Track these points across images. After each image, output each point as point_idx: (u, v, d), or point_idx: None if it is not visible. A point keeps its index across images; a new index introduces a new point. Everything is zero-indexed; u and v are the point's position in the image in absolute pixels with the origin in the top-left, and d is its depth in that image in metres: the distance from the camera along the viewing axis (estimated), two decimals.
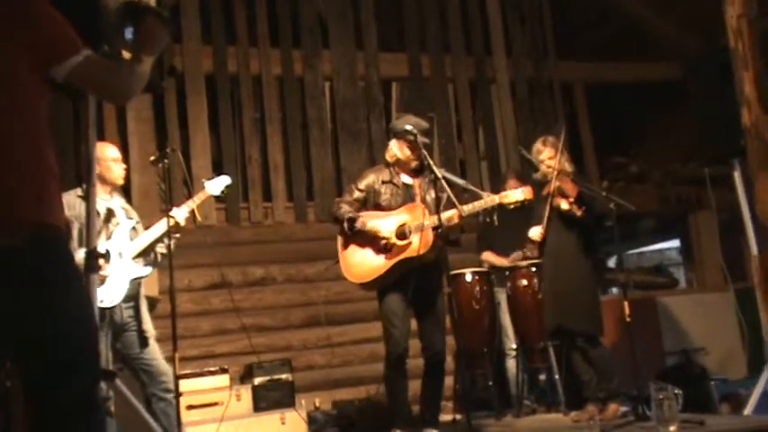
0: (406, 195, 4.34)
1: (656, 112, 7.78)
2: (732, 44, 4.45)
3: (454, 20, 7.61)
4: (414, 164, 4.35)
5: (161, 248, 4.19)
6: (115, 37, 2.40)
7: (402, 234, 4.23)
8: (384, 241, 4.22)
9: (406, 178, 4.41)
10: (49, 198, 2.05)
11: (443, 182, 4.07)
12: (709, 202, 5.48)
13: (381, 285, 4.30)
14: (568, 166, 4.77)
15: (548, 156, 4.76)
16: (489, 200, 4.13)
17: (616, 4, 8.06)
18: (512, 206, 4.13)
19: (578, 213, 4.56)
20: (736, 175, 4.96)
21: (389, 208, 4.33)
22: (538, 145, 4.85)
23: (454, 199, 4.08)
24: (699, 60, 5.24)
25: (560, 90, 7.89)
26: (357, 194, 4.40)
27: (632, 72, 8.07)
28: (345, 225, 4.29)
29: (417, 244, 4.15)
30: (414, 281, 4.15)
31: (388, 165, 4.44)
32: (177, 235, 4.28)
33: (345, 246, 4.39)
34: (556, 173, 4.61)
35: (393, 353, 4.22)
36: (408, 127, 4.20)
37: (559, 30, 8.02)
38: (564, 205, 4.58)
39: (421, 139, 4.20)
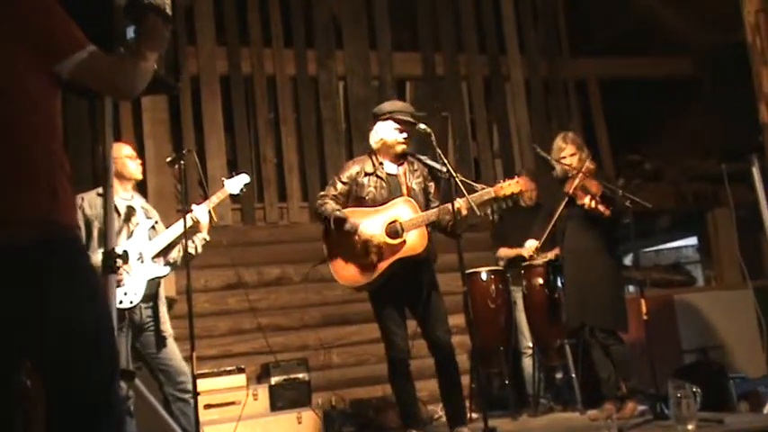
0: (391, 187, 4.17)
1: (671, 108, 7.73)
2: (749, 40, 4.41)
3: (468, 18, 7.59)
4: (400, 147, 4.17)
5: (190, 248, 4.18)
6: (121, 35, 2.41)
7: (394, 232, 4.06)
8: (375, 251, 4.04)
9: (389, 167, 4.22)
10: (63, 197, 2.05)
11: (453, 172, 3.99)
12: (727, 199, 5.43)
13: (375, 286, 4.16)
14: (590, 164, 4.72)
15: (569, 153, 4.71)
16: (485, 192, 4.07)
17: (629, 0, 8.02)
18: (508, 198, 4.09)
19: (606, 213, 4.50)
20: (755, 171, 4.92)
21: (374, 202, 4.14)
22: (558, 142, 4.79)
23: (464, 189, 3.99)
24: (713, 56, 5.21)
25: (574, 87, 7.86)
26: (341, 187, 4.20)
27: (646, 68, 8.03)
28: (332, 224, 4.09)
29: (414, 242, 4.04)
30: (406, 282, 4.07)
31: (371, 153, 4.27)
32: (207, 237, 4.28)
33: (333, 247, 4.18)
34: (581, 169, 4.57)
35: (396, 359, 4.15)
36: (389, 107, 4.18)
37: (573, 26, 7.99)
38: (589, 202, 4.50)
39: (405, 117, 4.12)
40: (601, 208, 4.49)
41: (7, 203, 1.98)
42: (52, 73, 2.09)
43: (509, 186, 4.06)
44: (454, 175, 4.00)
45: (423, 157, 4.16)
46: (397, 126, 4.17)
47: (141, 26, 2.30)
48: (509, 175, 7.21)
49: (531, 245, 4.95)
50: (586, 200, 4.51)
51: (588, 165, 4.68)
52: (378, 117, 4.26)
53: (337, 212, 4.11)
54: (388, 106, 4.27)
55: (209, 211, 4.28)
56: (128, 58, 2.25)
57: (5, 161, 2.00)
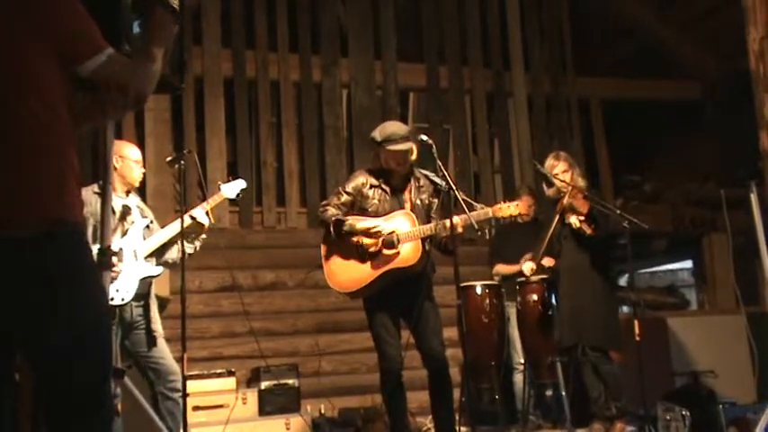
0: (395, 201, 4.18)
1: (673, 132, 7.76)
2: (753, 66, 4.43)
3: (473, 32, 7.62)
4: (398, 172, 4.17)
5: (189, 248, 4.17)
6: (128, 32, 2.39)
7: (390, 243, 4.07)
8: (372, 248, 4.05)
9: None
10: (70, 193, 2.05)
11: (453, 186, 3.97)
12: (724, 224, 5.45)
13: (366, 295, 4.16)
14: (581, 182, 4.76)
15: (561, 170, 4.75)
16: (483, 212, 4.06)
17: (636, 23, 8.06)
18: (505, 219, 4.10)
19: (588, 231, 4.54)
20: (753, 198, 4.92)
21: (376, 215, 4.13)
22: (551, 160, 4.84)
23: (464, 206, 3.98)
24: (717, 81, 5.23)
25: (577, 106, 7.88)
26: (344, 198, 4.20)
27: (650, 91, 8.06)
28: (332, 228, 4.10)
29: (407, 254, 4.05)
30: (401, 293, 4.06)
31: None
32: (203, 236, 4.29)
33: (329, 252, 4.20)
34: (569, 189, 4.60)
35: (389, 370, 4.12)
36: (376, 135, 4.10)
37: (578, 46, 8.02)
38: (574, 221, 4.56)
39: (397, 147, 4.04)
40: (584, 226, 4.53)
41: (15, 201, 1.98)
42: (70, 73, 2.08)
43: (507, 208, 4.06)
44: (454, 188, 4.00)
45: (430, 174, 4.14)
46: (390, 155, 4.11)
47: (148, 20, 2.28)
48: (509, 189, 7.28)
49: (528, 266, 4.96)
50: (572, 219, 4.55)
51: (579, 182, 4.71)
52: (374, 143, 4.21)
53: (337, 216, 4.13)
54: (378, 134, 4.14)
55: (207, 213, 4.28)
56: (139, 60, 2.22)
57: (18, 160, 1.99)
